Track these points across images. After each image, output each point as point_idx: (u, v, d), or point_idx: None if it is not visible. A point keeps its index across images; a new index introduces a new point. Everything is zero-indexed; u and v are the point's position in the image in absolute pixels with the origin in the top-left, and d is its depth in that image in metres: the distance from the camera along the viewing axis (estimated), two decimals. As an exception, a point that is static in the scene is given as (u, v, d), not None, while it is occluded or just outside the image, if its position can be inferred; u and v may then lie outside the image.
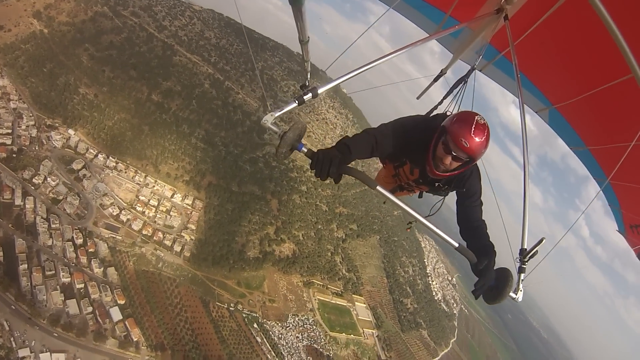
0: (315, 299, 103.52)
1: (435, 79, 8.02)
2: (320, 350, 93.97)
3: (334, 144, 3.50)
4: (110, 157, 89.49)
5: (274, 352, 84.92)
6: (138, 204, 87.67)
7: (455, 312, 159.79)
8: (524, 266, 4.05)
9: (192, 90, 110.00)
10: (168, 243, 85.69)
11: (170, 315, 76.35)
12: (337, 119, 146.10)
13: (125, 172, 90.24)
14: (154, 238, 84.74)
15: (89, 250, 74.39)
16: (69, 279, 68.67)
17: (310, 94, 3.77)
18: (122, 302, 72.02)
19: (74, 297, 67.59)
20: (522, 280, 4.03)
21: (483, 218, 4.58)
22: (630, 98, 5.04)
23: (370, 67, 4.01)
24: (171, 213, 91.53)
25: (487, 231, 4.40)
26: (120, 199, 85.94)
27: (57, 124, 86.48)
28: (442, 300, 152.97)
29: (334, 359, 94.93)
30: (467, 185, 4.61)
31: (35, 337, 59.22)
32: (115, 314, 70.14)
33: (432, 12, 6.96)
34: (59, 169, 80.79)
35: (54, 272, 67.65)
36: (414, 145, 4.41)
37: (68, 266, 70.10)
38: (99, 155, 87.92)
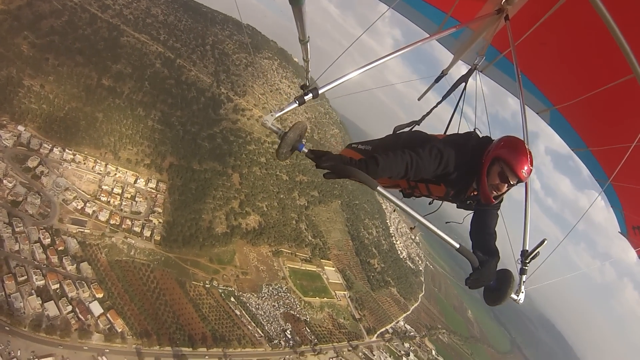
0: (285, 267, 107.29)
1: (437, 80, 8.02)
2: (297, 315, 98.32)
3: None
4: (67, 150, 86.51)
5: (254, 322, 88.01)
6: (102, 194, 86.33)
7: (421, 268, 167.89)
8: (526, 268, 4.19)
9: (143, 71, 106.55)
10: (137, 229, 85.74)
11: (150, 301, 77.17)
12: (291, 89, 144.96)
13: (85, 163, 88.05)
14: (123, 226, 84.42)
15: (59, 249, 72.84)
16: (43, 281, 67.21)
17: (310, 95, 3.84)
18: (100, 295, 71.62)
19: (52, 299, 66.31)
20: (524, 281, 4.15)
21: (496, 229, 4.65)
22: (631, 98, 5.12)
23: (374, 65, 4.15)
24: (136, 199, 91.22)
25: (496, 243, 4.43)
26: (82, 191, 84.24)
27: (4, 122, 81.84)
28: (408, 258, 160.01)
29: (311, 323, 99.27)
30: None
31: (19, 347, 57.98)
32: (96, 308, 69.71)
33: (432, 12, 7.00)
34: (14, 169, 77.24)
35: (26, 277, 65.78)
36: (456, 169, 4.34)
37: (40, 268, 68.53)
38: (55, 149, 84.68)
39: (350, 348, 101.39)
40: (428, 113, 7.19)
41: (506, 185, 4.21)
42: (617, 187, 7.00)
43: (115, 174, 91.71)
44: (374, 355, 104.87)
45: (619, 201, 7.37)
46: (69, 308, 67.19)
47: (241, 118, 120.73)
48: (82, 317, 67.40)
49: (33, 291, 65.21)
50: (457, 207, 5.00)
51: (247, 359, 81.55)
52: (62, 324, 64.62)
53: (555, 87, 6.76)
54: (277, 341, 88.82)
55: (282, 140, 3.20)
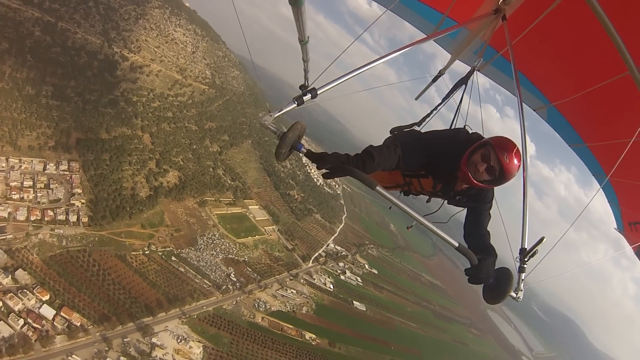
0: (213, 215, 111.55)
1: (434, 80, 8.10)
2: (236, 258, 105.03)
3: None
4: (-45, 154, 76.19)
5: (200, 275, 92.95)
6: (12, 192, 79.94)
7: (339, 192, 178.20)
8: (524, 266, 4.20)
9: (22, 43, 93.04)
10: (62, 217, 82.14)
11: (97, 285, 76.70)
12: (186, 37, 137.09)
13: (-20, 164, 79.23)
14: (46, 219, 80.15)
15: (-15, 265, 67.12)
16: (-18, 304, 62.62)
17: (309, 95, 3.79)
18: (46, 297, 68.94)
19: (-1, 320, 62.89)
20: (523, 279, 4.17)
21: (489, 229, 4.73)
22: (627, 95, 5.13)
23: (371, 67, 4.22)
24: (51, 186, 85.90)
25: (490, 242, 4.50)
26: (-12, 195, 76.94)
27: None
28: (325, 184, 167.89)
29: (250, 262, 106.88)
30: (483, 197, 4.77)
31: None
32: (47, 311, 67.27)
33: (429, 13, 6.99)
34: None
35: (-40, 307, 60.62)
36: (442, 161, 4.45)
37: (-27, 292, 63.31)
38: (-61, 158, 73.90)
39: (291, 277, 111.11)
40: (428, 116, 7.49)
41: (485, 165, 4.23)
42: (614, 183, 7.06)
43: (21, 166, 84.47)
44: (314, 279, 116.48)
45: (616, 197, 7.48)
46: (21, 322, 63.72)
47: (140, 76, 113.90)
48: (37, 326, 64.78)
49: (-25, 319, 60.81)
50: (448, 203, 5.17)
51: (205, 310, 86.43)
52: (21, 340, 61.83)
53: (552, 85, 6.92)
54: (225, 287, 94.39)
55: (281, 140, 3.14)
